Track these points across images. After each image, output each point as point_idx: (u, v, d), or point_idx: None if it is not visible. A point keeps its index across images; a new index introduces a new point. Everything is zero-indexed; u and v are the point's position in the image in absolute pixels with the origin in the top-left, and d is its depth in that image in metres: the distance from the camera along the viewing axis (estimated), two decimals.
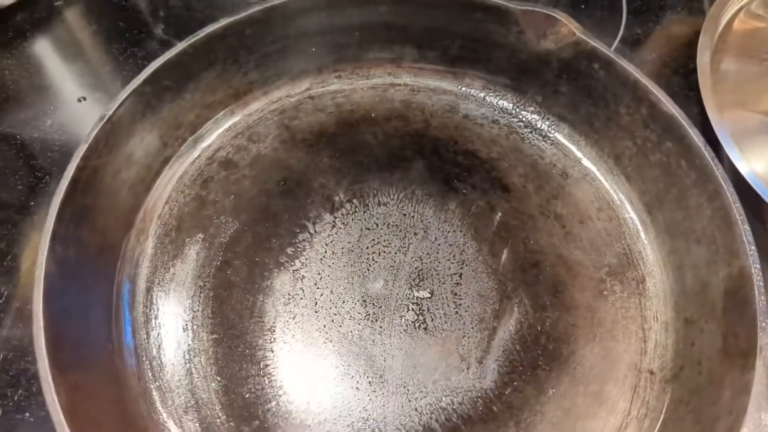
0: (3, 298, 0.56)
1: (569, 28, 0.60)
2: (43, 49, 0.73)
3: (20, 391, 0.52)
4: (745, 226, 0.52)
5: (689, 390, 0.52)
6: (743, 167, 0.61)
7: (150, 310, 0.55)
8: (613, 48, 0.78)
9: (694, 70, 0.68)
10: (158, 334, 0.55)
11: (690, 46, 0.69)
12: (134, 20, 0.76)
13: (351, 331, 0.56)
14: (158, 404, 0.51)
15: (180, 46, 0.57)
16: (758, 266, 0.50)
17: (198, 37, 0.58)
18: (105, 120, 0.53)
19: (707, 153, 0.55)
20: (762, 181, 0.60)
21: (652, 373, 0.55)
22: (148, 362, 0.53)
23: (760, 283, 0.49)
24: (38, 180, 0.63)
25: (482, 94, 0.68)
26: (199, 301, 0.56)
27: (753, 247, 0.51)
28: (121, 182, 0.57)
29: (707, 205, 0.55)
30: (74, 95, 0.69)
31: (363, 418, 0.52)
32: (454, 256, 0.59)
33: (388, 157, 0.64)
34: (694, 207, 0.57)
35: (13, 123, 0.66)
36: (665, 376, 0.55)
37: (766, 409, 0.45)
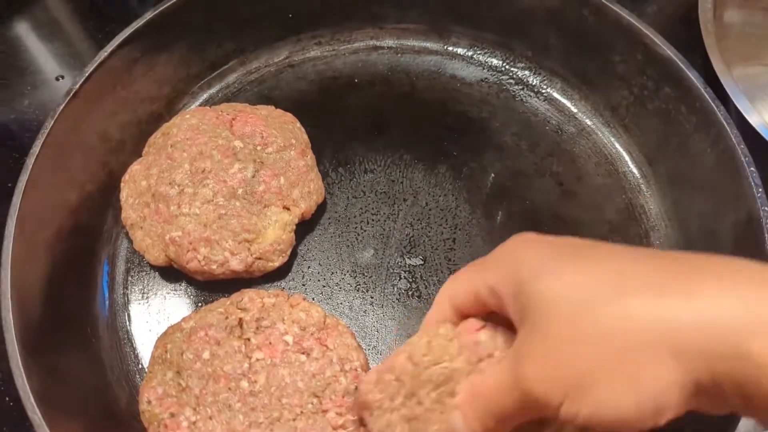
0: None
1: None
2: (21, 29, 0.71)
3: None
4: (752, 168, 0.49)
5: None
6: (754, 118, 0.57)
7: (130, 291, 0.53)
8: None
9: (697, 21, 0.64)
10: (140, 316, 0.52)
11: None
12: None
13: (341, 303, 0.53)
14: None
15: (147, 15, 0.55)
16: (767, 209, 0.47)
17: (166, 5, 0.56)
18: (72, 94, 0.51)
19: (707, 95, 0.52)
20: None
21: None
22: (130, 345, 0.51)
23: None
24: (16, 161, 0.62)
25: (469, 53, 0.65)
26: (183, 280, 0.54)
27: (761, 190, 0.48)
28: (95, 159, 0.55)
29: (710, 151, 0.52)
30: (52, 74, 0.68)
31: None
32: (446, 220, 0.57)
33: (374, 123, 0.61)
34: (696, 154, 0.53)
35: None
36: None
37: None
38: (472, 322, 0.38)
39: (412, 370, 0.39)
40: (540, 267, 0.33)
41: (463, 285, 0.38)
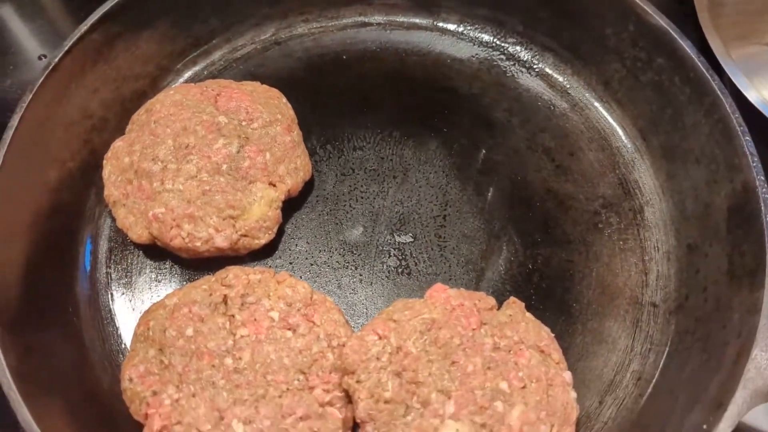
0: None
1: None
2: (4, 11, 0.70)
3: None
4: (747, 137, 0.47)
5: (695, 319, 0.48)
6: (752, 94, 0.57)
7: (114, 270, 0.52)
8: None
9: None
10: (123, 295, 0.51)
11: None
12: None
13: (329, 281, 0.52)
14: None
15: None
16: (762, 178, 0.46)
17: None
18: (51, 68, 0.50)
19: (701, 64, 0.51)
20: None
21: (655, 305, 0.51)
22: (113, 324, 0.50)
23: (767, 196, 0.45)
24: None
25: (460, 28, 0.63)
26: (168, 259, 0.52)
27: (756, 159, 0.47)
28: (76, 137, 0.53)
29: (705, 121, 0.51)
30: (35, 53, 0.67)
31: None
32: (436, 197, 0.56)
33: (363, 100, 0.60)
34: (690, 125, 0.52)
35: None
36: (669, 308, 0.51)
37: None
38: (439, 285, 0.46)
39: (395, 326, 0.43)
40: None
41: None
